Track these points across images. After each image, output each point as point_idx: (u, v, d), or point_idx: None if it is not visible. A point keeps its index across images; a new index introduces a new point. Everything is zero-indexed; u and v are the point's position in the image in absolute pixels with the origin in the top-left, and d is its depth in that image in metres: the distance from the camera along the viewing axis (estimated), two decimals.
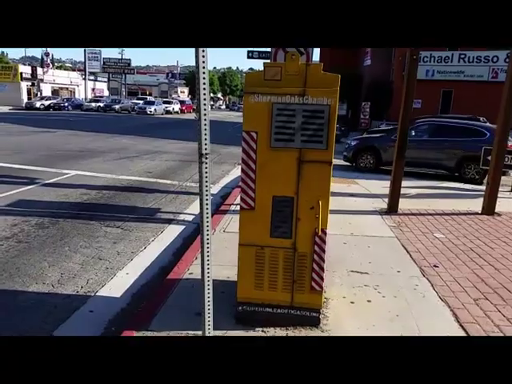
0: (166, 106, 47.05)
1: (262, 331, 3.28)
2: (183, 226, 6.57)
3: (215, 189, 9.56)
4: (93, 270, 4.78)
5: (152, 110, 42.65)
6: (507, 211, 7.30)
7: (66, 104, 43.95)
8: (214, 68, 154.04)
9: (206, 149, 2.40)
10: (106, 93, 64.96)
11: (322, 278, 3.26)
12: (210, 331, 2.64)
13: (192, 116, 43.24)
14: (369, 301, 3.87)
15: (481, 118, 15.88)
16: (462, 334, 3.37)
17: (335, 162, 3.26)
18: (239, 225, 3.31)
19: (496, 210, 7.10)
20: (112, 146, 16.05)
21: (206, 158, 2.42)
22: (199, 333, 2.81)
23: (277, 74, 3.02)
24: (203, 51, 2.27)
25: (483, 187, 8.73)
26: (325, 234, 3.19)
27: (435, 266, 4.75)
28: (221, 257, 4.77)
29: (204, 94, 2.33)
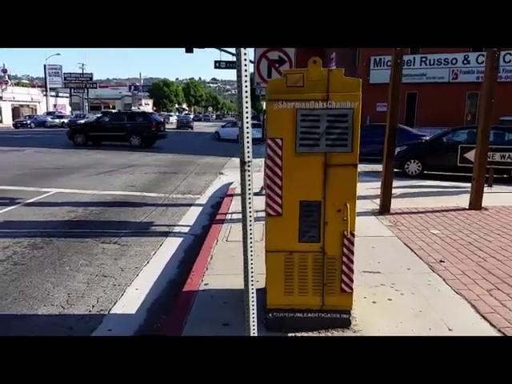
0: None
1: (295, 336, 3.27)
2: (181, 238, 6.47)
3: (203, 199, 9.48)
4: (100, 287, 4.63)
5: None
6: (492, 205, 7.59)
7: (29, 121, 42.81)
8: (177, 79, 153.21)
9: (248, 156, 2.38)
10: (69, 108, 63.35)
11: (351, 280, 3.29)
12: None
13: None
14: (389, 299, 3.93)
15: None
16: (484, 324, 3.48)
17: None
18: (266, 231, 3.30)
19: (482, 205, 7.38)
20: (86, 162, 15.67)
21: (249, 166, 2.39)
22: None
23: (299, 80, 3.05)
24: (245, 53, 2.23)
25: (461, 184, 9.12)
26: (353, 236, 3.22)
27: (441, 261, 4.89)
28: (229, 266, 4.74)
29: (246, 102, 2.31)
